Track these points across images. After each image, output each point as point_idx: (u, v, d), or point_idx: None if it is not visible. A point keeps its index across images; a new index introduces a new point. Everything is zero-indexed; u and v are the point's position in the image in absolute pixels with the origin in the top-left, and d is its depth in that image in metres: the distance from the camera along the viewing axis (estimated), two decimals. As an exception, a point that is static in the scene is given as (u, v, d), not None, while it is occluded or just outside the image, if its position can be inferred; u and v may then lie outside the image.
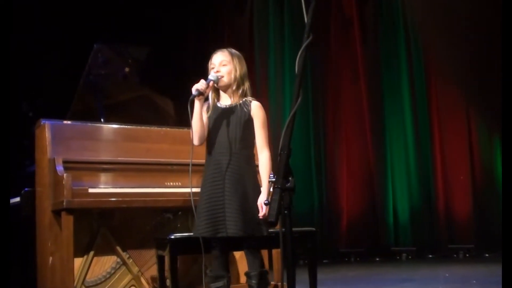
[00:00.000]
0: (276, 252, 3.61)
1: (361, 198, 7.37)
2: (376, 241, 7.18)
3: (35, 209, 3.49)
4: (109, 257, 3.42)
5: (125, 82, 4.21)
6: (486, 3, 6.57)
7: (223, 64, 2.93)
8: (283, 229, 1.88)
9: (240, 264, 3.67)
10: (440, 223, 6.87)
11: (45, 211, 3.33)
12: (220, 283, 2.89)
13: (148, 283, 3.49)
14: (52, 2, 6.48)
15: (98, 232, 3.39)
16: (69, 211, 3.11)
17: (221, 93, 2.99)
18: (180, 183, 3.54)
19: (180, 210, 3.60)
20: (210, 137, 2.93)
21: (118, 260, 3.44)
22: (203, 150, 2.98)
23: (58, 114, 3.69)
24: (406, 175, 7.17)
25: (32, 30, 6.29)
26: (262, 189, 2.84)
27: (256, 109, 2.93)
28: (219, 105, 2.98)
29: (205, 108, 2.95)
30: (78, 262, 3.28)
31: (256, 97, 3.03)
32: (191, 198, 2.81)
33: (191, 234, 3.01)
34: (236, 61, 2.95)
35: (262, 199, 2.77)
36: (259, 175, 2.90)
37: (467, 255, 6.47)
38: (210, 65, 2.97)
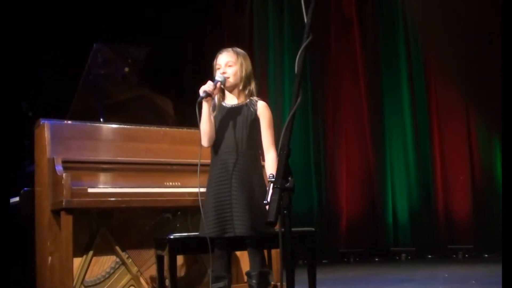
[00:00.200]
0: (275, 252, 3.61)
1: (360, 198, 7.38)
2: (375, 241, 7.18)
3: (34, 209, 3.49)
4: (108, 257, 3.42)
5: (124, 82, 4.20)
6: (486, 3, 6.58)
7: (229, 65, 2.92)
8: (283, 229, 1.88)
9: (244, 263, 3.67)
10: (439, 223, 6.87)
11: (45, 210, 3.33)
12: (221, 284, 2.87)
13: (147, 283, 3.48)
14: (52, 2, 6.47)
15: (97, 232, 3.39)
16: (69, 210, 3.11)
17: (227, 92, 2.98)
18: (179, 183, 3.54)
19: (179, 210, 3.60)
20: (216, 137, 2.92)
21: (117, 260, 3.44)
22: (206, 150, 2.97)
23: (58, 114, 3.69)
24: (406, 175, 7.17)
25: (32, 30, 6.28)
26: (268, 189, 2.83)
27: (263, 109, 2.93)
28: (224, 104, 2.97)
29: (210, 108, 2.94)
30: (77, 262, 3.28)
31: (256, 96, 3.03)
32: (199, 198, 2.80)
33: (191, 234, 3.01)
34: (242, 61, 2.93)
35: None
36: (265, 175, 2.90)
37: (467, 255, 6.48)
38: (216, 65, 2.96)
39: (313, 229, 3.30)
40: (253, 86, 2.97)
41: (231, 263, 3.01)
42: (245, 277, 3.02)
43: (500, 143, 6.54)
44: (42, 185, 3.37)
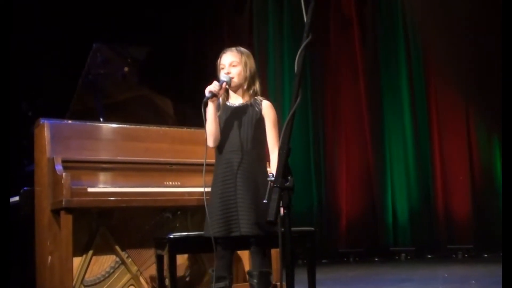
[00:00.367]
0: (275, 252, 3.60)
1: (360, 198, 7.38)
2: (375, 241, 7.18)
3: (34, 209, 3.49)
4: (108, 256, 3.41)
5: (124, 82, 4.21)
6: (486, 3, 6.58)
7: (233, 65, 2.91)
8: (282, 229, 1.88)
9: (245, 263, 3.67)
10: (439, 223, 6.87)
11: (44, 210, 3.33)
12: (222, 284, 2.86)
13: (147, 282, 3.48)
14: (52, 2, 6.48)
15: (97, 231, 3.39)
16: (68, 210, 3.10)
17: (231, 92, 2.97)
18: (179, 183, 3.53)
19: (179, 210, 3.60)
20: (221, 137, 2.92)
21: (117, 259, 3.44)
22: (210, 149, 2.96)
23: (58, 113, 3.69)
24: (406, 175, 7.17)
25: (32, 30, 6.29)
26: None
27: (268, 109, 2.93)
28: (229, 104, 2.96)
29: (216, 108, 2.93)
30: (77, 261, 3.28)
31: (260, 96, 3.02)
32: (204, 197, 2.81)
33: (190, 233, 3.00)
34: (246, 60, 2.93)
35: None
36: None
37: (466, 255, 6.48)
38: (220, 65, 2.95)
39: (312, 228, 3.30)
40: (257, 85, 2.97)
41: (233, 263, 3.01)
42: (247, 276, 3.02)
43: (500, 143, 6.54)
44: (42, 185, 3.37)
